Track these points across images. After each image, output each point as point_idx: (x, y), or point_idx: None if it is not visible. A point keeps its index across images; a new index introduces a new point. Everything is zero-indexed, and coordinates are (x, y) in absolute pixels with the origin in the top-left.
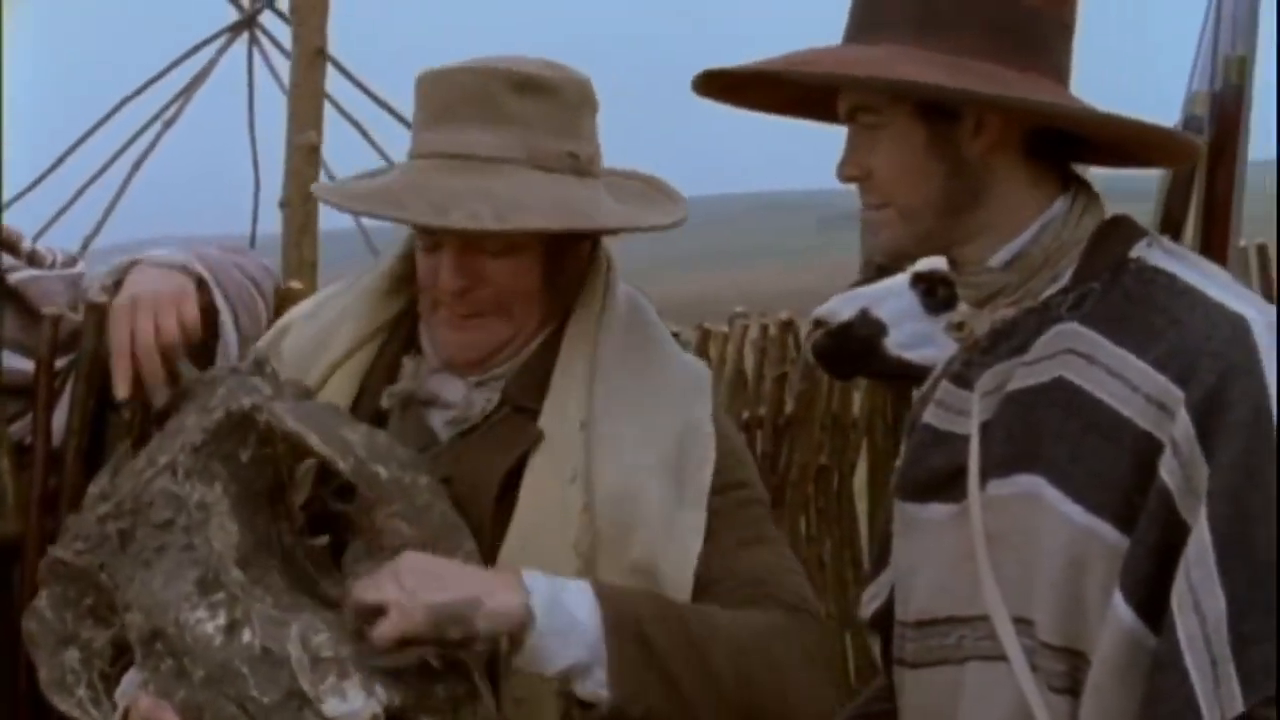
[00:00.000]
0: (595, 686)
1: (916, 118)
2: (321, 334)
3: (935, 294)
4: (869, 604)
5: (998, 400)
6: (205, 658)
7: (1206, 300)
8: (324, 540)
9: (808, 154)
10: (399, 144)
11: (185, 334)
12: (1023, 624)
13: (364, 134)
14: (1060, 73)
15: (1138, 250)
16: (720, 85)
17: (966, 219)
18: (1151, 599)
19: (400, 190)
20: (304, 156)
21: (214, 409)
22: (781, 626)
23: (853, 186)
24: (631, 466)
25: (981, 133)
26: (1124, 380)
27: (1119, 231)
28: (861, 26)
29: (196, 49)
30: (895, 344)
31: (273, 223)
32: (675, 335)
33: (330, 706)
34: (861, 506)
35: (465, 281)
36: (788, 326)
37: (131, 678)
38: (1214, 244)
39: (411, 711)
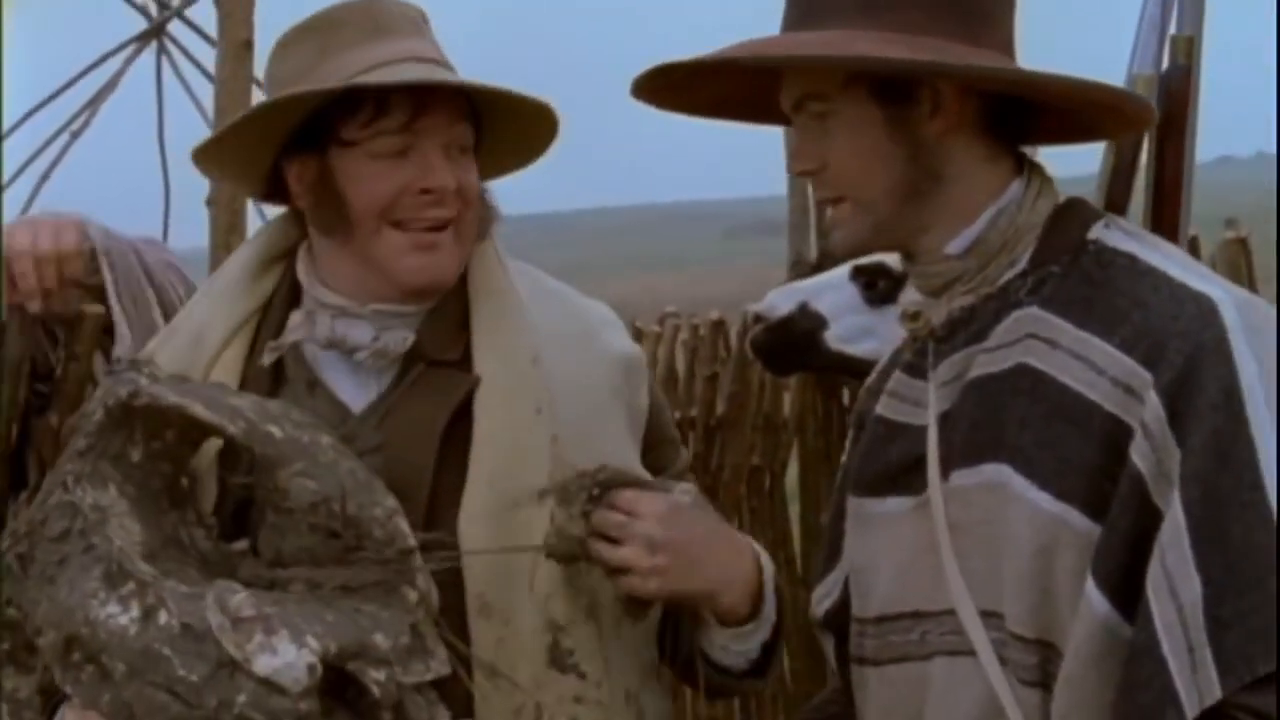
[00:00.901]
0: (740, 662)
1: (871, 101)
2: (189, 342)
3: (876, 286)
4: (820, 603)
5: (958, 389)
6: (123, 650)
7: (1170, 280)
8: (243, 544)
9: (714, 165)
10: None
11: (80, 260)
12: (991, 617)
13: None
14: (1007, 46)
15: (1095, 232)
16: (657, 87)
17: (925, 205)
18: (1124, 586)
19: (411, 72)
20: None
21: (92, 411)
22: None
23: (760, 194)
24: (589, 399)
25: (939, 112)
26: (1089, 364)
27: (1075, 213)
28: (805, 12)
29: (104, 59)
30: (835, 338)
31: (186, 236)
32: None
33: (262, 664)
34: (793, 507)
35: (460, 177)
36: (718, 327)
37: (61, 715)
38: (1164, 228)
39: (354, 661)
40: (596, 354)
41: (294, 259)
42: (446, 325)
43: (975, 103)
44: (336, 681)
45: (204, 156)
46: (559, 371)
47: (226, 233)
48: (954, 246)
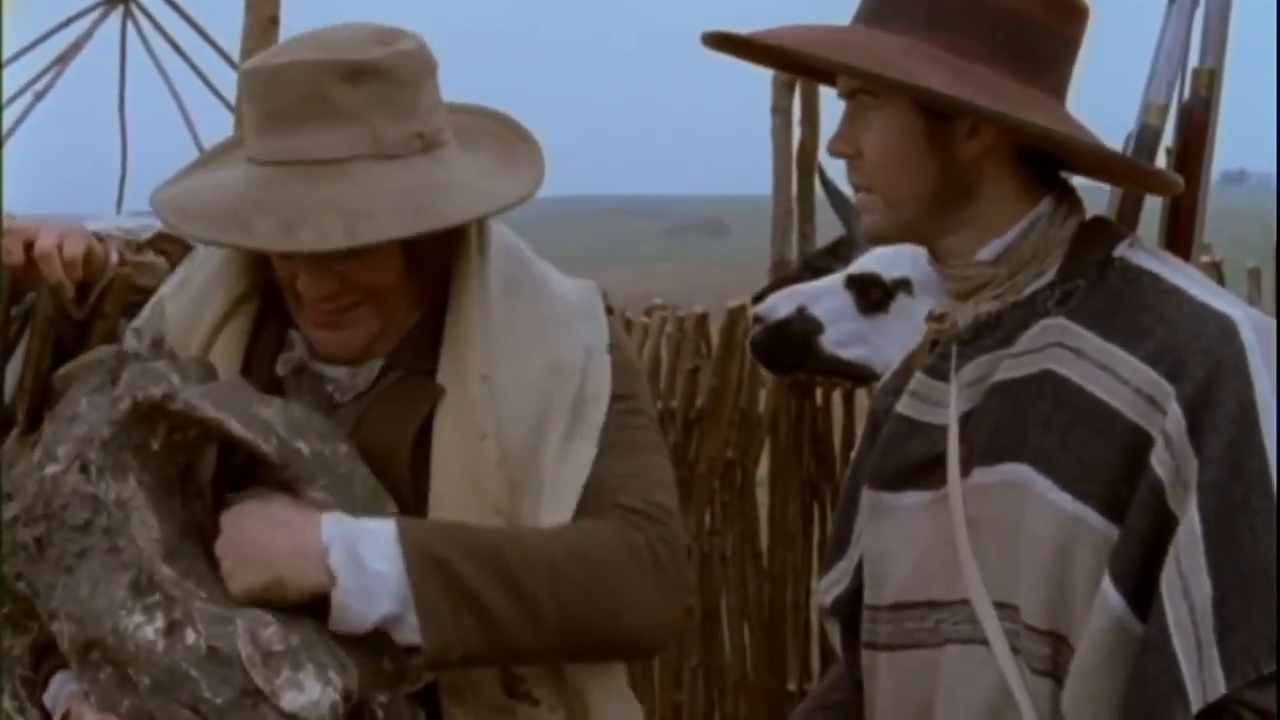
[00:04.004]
0: (410, 634)
1: (915, 110)
2: (196, 301)
3: (869, 295)
4: (829, 591)
5: (982, 391)
6: (150, 664)
7: (1192, 300)
8: None
9: (660, 160)
10: None
11: (89, 267)
12: (1005, 608)
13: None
14: (1060, 89)
15: (1120, 250)
16: (726, 40)
17: (952, 214)
18: (1138, 585)
19: (243, 207)
20: None
21: (119, 399)
22: (604, 533)
23: (705, 193)
24: (535, 416)
25: (975, 136)
26: (1113, 374)
27: (1101, 231)
28: (876, 9)
29: (69, 21)
30: (830, 342)
31: (139, 204)
32: None
33: (289, 700)
34: (762, 502)
35: (327, 288)
36: (702, 321)
37: (61, 682)
38: (1178, 252)
39: (367, 690)
40: (548, 356)
41: None
42: (426, 336)
43: (1012, 136)
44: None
45: None
46: (508, 383)
47: None
48: (985, 253)
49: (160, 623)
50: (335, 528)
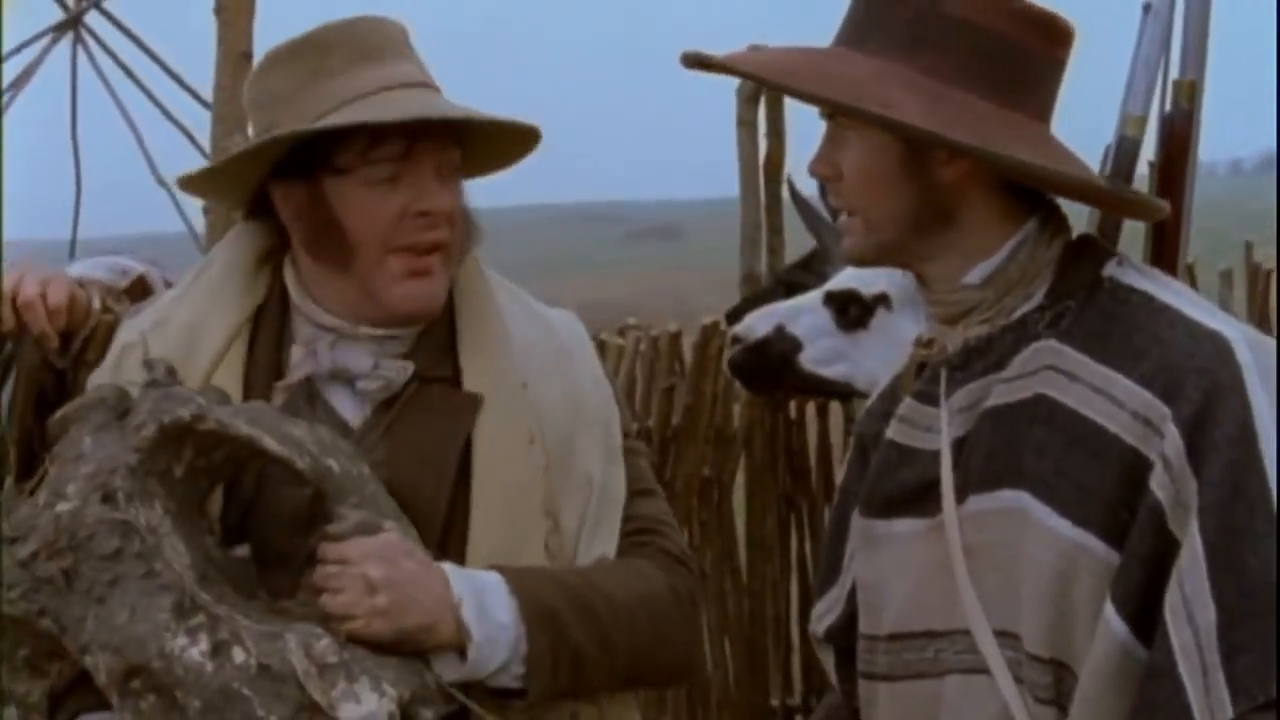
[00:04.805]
0: (508, 681)
1: (892, 134)
2: (185, 336)
3: (848, 312)
4: (821, 619)
5: (974, 416)
6: (199, 686)
7: (1185, 318)
8: (246, 551)
9: (616, 166)
10: None
11: (72, 315)
12: (1006, 637)
13: (192, 139)
14: (1045, 111)
15: (1109, 269)
16: (703, 62)
17: (933, 238)
18: (1141, 610)
19: (406, 105)
20: None
21: (142, 425)
22: (660, 582)
23: (660, 197)
24: (567, 428)
25: (952, 163)
26: (1108, 396)
27: (1089, 251)
28: (855, 31)
29: (20, 48)
30: (810, 360)
31: (94, 228)
32: None
33: (347, 712)
34: (739, 518)
35: (455, 201)
36: (675, 339)
37: None
38: (1164, 265)
39: (413, 706)
40: (574, 374)
41: (278, 263)
42: (437, 342)
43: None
44: None
45: (192, 181)
46: (542, 395)
47: (222, 237)
48: (972, 276)
49: (205, 644)
50: (461, 581)
